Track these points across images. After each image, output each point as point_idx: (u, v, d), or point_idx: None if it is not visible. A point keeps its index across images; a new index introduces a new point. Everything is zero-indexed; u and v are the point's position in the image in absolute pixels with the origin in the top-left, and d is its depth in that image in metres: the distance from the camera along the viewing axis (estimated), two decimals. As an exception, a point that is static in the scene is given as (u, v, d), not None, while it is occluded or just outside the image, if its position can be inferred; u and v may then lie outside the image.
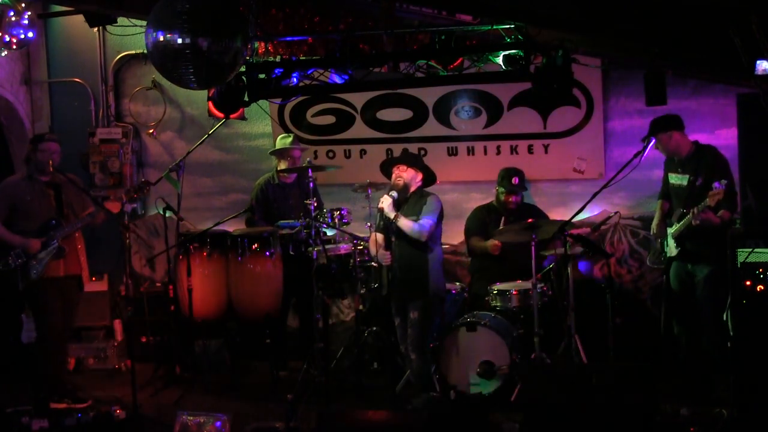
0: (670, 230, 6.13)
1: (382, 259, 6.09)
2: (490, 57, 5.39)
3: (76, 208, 6.30)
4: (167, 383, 6.68)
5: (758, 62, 5.03)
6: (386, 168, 6.29)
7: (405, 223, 5.96)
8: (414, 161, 6.22)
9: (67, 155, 6.50)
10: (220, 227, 6.89)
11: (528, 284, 6.18)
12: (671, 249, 6.14)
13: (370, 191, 6.57)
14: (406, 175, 6.09)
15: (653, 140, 6.00)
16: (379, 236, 6.17)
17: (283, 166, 7.06)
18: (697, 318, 6.06)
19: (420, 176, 6.14)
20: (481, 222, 6.89)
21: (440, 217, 6.07)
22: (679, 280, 6.16)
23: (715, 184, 5.61)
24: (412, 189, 6.10)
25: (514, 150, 7.48)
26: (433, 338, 6.13)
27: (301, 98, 7.56)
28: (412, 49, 5.82)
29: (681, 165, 6.12)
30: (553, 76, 5.01)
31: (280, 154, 7.08)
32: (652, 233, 6.40)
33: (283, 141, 7.15)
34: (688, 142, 6.10)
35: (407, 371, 6.21)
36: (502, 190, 6.83)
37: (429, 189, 6.23)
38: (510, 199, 6.81)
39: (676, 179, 6.16)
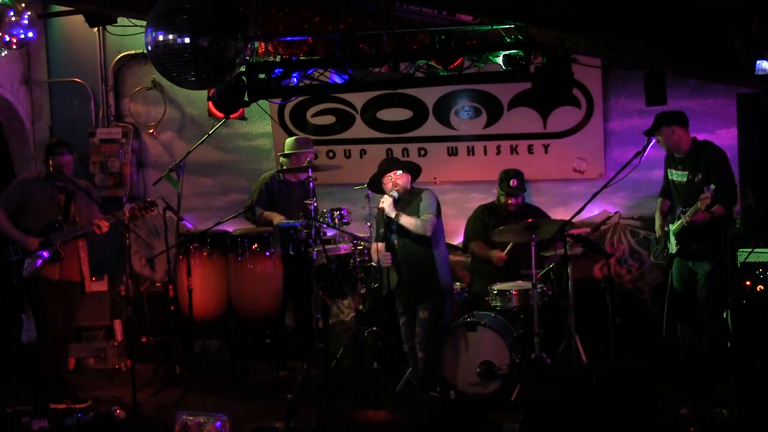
0: (672, 227, 6.12)
1: (383, 260, 6.07)
2: (490, 57, 5.39)
3: (83, 218, 6.31)
4: (167, 383, 6.68)
5: (758, 62, 5.04)
6: (376, 183, 6.21)
7: (407, 221, 5.96)
8: (403, 164, 6.23)
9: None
10: (220, 227, 6.89)
11: (528, 284, 6.18)
12: (672, 246, 6.14)
13: (369, 192, 6.56)
14: (401, 180, 6.09)
15: (653, 140, 6.00)
16: (381, 245, 6.12)
17: (290, 165, 7.03)
18: (698, 316, 6.05)
19: (409, 176, 6.16)
20: (482, 224, 6.84)
21: (438, 209, 6.07)
22: (681, 277, 6.16)
23: (705, 188, 5.61)
24: (408, 189, 6.12)
25: (514, 150, 7.47)
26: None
27: (301, 98, 7.55)
28: (412, 49, 5.82)
29: (681, 162, 6.12)
30: (553, 76, 5.01)
31: (295, 155, 7.00)
32: (656, 234, 6.39)
33: (297, 143, 7.10)
34: (689, 140, 6.10)
35: (407, 371, 6.21)
36: (501, 192, 6.80)
37: (429, 189, 6.23)
38: (509, 201, 6.77)
39: (677, 176, 6.16)
